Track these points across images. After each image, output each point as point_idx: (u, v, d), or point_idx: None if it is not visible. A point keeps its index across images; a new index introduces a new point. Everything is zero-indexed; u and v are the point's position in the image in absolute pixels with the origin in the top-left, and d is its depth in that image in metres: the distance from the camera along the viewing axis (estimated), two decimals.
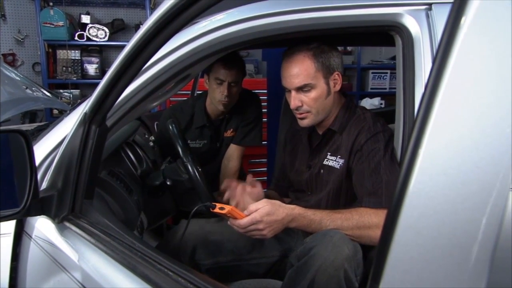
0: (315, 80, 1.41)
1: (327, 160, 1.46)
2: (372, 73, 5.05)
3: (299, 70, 1.40)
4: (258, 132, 2.30)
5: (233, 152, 2.26)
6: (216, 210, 1.25)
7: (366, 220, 1.26)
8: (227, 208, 1.24)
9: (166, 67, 1.25)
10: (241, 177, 2.39)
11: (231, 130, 2.27)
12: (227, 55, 1.85)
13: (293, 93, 1.43)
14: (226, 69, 2.04)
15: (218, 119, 2.26)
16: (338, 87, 1.46)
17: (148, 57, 0.94)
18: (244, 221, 1.25)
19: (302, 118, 1.47)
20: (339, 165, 1.43)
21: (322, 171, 1.48)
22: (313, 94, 1.42)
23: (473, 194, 0.43)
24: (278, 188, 1.77)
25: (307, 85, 1.41)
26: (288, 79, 1.43)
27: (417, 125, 0.44)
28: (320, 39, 1.43)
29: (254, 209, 1.26)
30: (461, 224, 0.44)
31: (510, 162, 0.42)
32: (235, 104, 2.19)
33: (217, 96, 2.10)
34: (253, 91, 2.39)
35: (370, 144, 1.35)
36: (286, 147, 1.73)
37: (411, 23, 1.22)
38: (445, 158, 0.44)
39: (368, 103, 4.63)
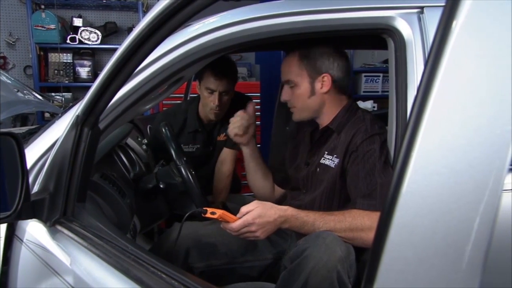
0: (298, 78, 1.48)
1: (323, 159, 1.47)
2: (365, 76, 5.06)
3: (286, 66, 1.52)
4: None
5: (226, 156, 2.26)
6: (208, 215, 1.26)
7: (359, 222, 1.26)
8: (218, 213, 1.25)
9: (159, 69, 1.25)
10: (235, 180, 2.39)
11: (224, 134, 2.27)
12: (217, 63, 1.86)
13: (285, 86, 1.54)
14: (216, 79, 2.04)
15: (211, 123, 2.25)
16: (325, 89, 1.47)
17: (141, 59, 0.94)
18: (236, 224, 1.25)
19: (292, 112, 1.56)
20: (334, 164, 1.43)
21: (318, 169, 1.48)
22: (296, 91, 1.50)
23: (466, 193, 0.44)
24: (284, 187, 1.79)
25: (290, 81, 1.50)
26: (281, 72, 1.55)
27: (410, 125, 0.44)
28: (317, 42, 1.45)
29: (246, 211, 1.27)
30: (455, 223, 0.44)
31: (503, 161, 0.42)
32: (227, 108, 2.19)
33: (208, 105, 2.11)
34: (246, 94, 2.39)
35: (366, 146, 1.36)
36: (291, 141, 1.76)
37: (404, 26, 1.24)
38: (439, 158, 0.44)
39: (361, 106, 4.64)
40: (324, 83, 1.47)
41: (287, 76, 1.50)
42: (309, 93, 1.48)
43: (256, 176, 1.74)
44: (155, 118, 2.40)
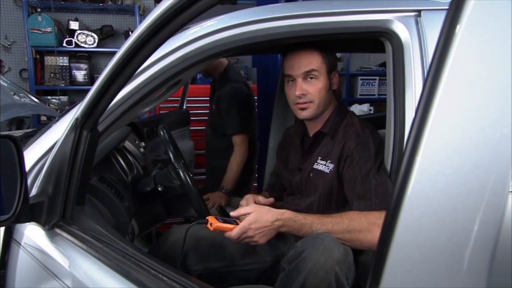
0: (321, 70, 1.45)
1: (317, 164, 1.47)
2: (361, 79, 5.09)
3: (308, 58, 1.45)
4: (230, 120, 2.47)
5: (234, 144, 2.48)
6: (208, 225, 1.27)
7: (357, 224, 1.27)
8: (214, 225, 1.25)
9: (157, 72, 1.25)
10: (248, 171, 2.58)
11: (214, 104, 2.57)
12: None
13: (299, 80, 1.45)
14: None
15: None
16: (335, 86, 1.51)
17: (140, 62, 0.94)
18: (234, 232, 1.26)
19: (302, 109, 1.48)
20: (329, 170, 1.43)
21: (311, 174, 1.48)
22: (317, 83, 1.45)
23: (472, 193, 0.44)
24: (272, 192, 1.78)
25: (314, 71, 1.44)
26: (296, 65, 1.46)
27: (415, 126, 0.44)
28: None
29: (243, 212, 1.29)
30: (461, 224, 0.44)
31: (509, 161, 0.42)
32: (217, 81, 2.56)
33: None
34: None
35: (361, 150, 1.36)
36: (279, 153, 1.75)
37: (401, 29, 1.24)
38: (444, 158, 0.44)
39: (358, 109, 4.66)
40: (334, 81, 1.50)
41: (309, 66, 1.43)
42: (328, 86, 1.48)
43: None
44: (152, 121, 2.41)
